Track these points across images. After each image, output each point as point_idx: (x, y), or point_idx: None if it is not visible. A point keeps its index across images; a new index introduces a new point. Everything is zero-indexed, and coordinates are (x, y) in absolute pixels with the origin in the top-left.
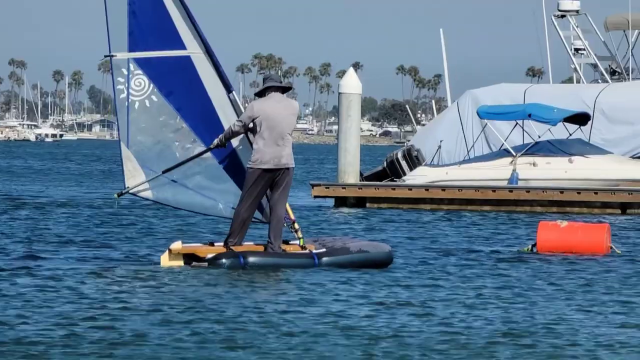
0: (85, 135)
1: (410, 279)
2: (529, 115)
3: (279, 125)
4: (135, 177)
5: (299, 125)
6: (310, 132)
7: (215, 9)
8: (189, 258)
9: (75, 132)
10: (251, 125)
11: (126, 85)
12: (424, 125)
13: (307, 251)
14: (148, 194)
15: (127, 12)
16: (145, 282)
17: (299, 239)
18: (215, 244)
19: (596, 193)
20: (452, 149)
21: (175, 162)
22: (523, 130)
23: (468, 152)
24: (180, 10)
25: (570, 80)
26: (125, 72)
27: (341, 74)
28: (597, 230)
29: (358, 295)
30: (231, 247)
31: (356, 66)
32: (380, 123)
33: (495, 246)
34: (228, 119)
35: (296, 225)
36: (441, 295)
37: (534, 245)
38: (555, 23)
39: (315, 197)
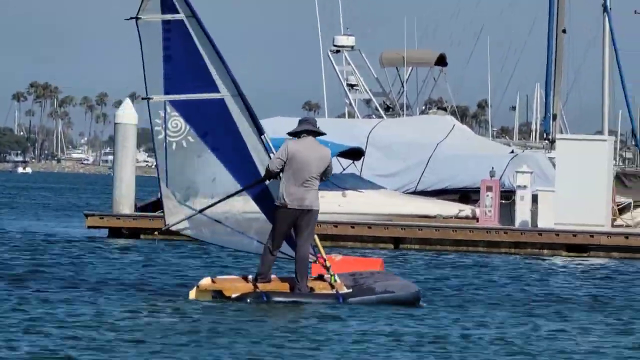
0: None
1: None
2: None
3: (306, 167)
4: (175, 215)
5: (73, 155)
6: (86, 161)
7: None
8: (218, 294)
9: None
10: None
11: (163, 126)
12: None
13: (333, 291)
14: (188, 231)
15: (162, 56)
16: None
17: (331, 276)
18: (249, 277)
19: (370, 227)
20: None
21: (212, 200)
22: None
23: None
24: (212, 54)
25: (345, 115)
26: (162, 114)
27: (117, 104)
28: (371, 264)
29: None
30: (258, 285)
31: (133, 96)
32: None
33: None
34: (261, 160)
35: (328, 263)
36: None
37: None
38: (332, 58)
39: (89, 227)
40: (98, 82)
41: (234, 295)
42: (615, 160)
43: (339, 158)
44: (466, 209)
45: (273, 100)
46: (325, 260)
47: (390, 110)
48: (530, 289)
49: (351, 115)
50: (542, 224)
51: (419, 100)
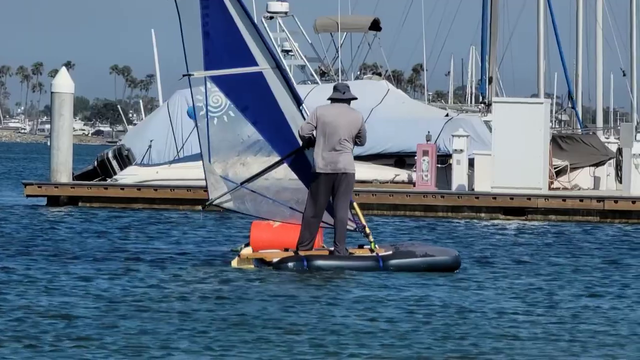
0: None
1: (114, 278)
2: None
3: (336, 131)
4: (217, 190)
5: (10, 124)
6: (23, 130)
7: None
8: (259, 261)
9: None
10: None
11: (205, 102)
12: (135, 124)
13: (372, 254)
14: (230, 204)
15: (202, 32)
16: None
17: (371, 242)
18: (290, 250)
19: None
20: (162, 149)
21: (253, 173)
22: None
23: (178, 152)
24: (250, 28)
25: None
26: (203, 90)
27: (53, 73)
28: None
29: None
30: (299, 252)
31: (68, 65)
32: (92, 122)
33: (209, 246)
34: None
35: (367, 230)
36: (140, 292)
37: (247, 245)
38: (265, 24)
39: (28, 196)
40: (33, 51)
41: (275, 260)
42: (552, 123)
43: None
44: (402, 174)
45: None
46: (365, 227)
47: (325, 75)
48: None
49: None
50: (479, 187)
51: (353, 66)
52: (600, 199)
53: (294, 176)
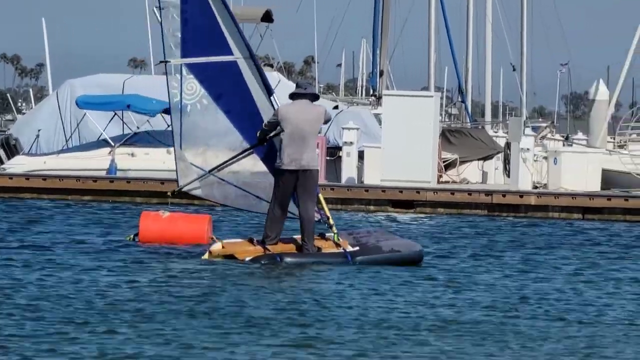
0: None
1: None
2: (128, 106)
3: (300, 128)
4: (187, 176)
5: None
6: None
7: None
8: (230, 257)
9: None
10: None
11: (179, 89)
12: (24, 114)
13: (341, 250)
14: (198, 191)
15: (180, 20)
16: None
17: (334, 234)
18: (255, 239)
19: None
20: (50, 138)
21: (223, 161)
22: (122, 121)
23: (67, 141)
24: (226, 16)
25: None
26: (179, 77)
27: None
28: (198, 220)
29: None
30: (268, 247)
31: None
32: None
33: (98, 236)
34: None
35: (331, 221)
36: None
37: (136, 235)
38: (158, 15)
39: None
40: None
41: (247, 258)
42: (442, 117)
43: (163, 114)
44: None
45: (98, 56)
46: (329, 218)
47: None
48: None
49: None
50: (368, 180)
51: None
52: (489, 193)
53: (263, 166)
